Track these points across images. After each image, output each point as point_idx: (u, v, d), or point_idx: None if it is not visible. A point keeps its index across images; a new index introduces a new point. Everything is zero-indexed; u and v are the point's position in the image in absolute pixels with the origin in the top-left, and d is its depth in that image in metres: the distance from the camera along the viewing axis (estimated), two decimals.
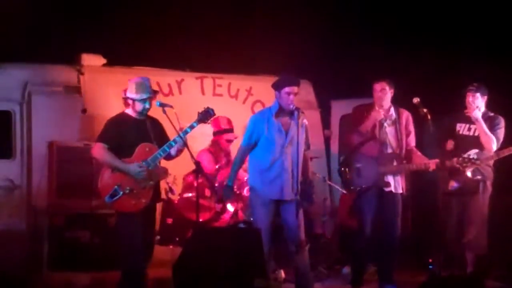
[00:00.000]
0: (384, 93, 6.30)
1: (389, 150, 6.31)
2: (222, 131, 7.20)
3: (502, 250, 7.03)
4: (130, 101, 5.72)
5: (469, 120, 6.61)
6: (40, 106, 7.61)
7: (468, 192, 6.52)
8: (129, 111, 5.77)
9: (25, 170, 7.54)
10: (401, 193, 6.32)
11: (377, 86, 6.33)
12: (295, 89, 5.81)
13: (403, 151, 6.32)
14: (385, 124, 6.33)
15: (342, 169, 6.38)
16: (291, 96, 5.80)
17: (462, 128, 6.64)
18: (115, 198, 5.54)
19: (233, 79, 8.37)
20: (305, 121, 5.87)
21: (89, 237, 6.93)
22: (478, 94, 6.56)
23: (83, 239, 6.90)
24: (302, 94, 8.72)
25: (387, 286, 6.30)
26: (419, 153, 6.39)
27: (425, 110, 6.32)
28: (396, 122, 6.35)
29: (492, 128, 6.53)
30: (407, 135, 6.39)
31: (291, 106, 5.81)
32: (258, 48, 8.64)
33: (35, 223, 7.27)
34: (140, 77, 5.84)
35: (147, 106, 5.73)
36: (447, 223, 6.54)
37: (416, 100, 6.33)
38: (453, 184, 6.56)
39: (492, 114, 6.62)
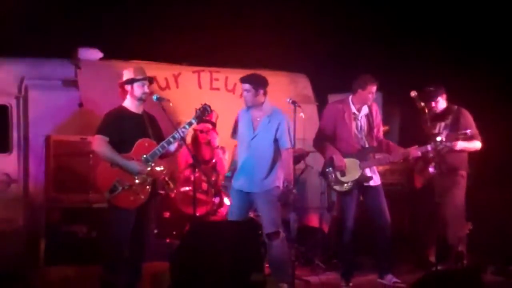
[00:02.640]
0: (373, 95, 6.37)
1: (366, 145, 6.37)
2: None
3: (499, 244, 7.05)
4: (128, 87, 5.70)
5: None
6: (37, 100, 7.59)
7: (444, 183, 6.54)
8: (127, 104, 5.74)
9: (22, 164, 7.53)
10: (379, 184, 6.39)
11: (374, 88, 6.32)
12: (244, 86, 6.06)
13: (376, 143, 6.40)
14: (360, 120, 6.37)
15: (327, 170, 6.40)
16: (244, 93, 6.06)
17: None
18: (114, 193, 5.54)
19: (230, 73, 8.35)
20: (288, 121, 6.08)
21: (86, 232, 6.92)
22: (439, 98, 6.62)
23: (80, 233, 6.90)
24: (299, 88, 8.78)
25: (386, 276, 6.35)
26: (391, 143, 6.47)
27: (422, 103, 6.33)
28: (369, 116, 6.41)
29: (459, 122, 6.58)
30: (378, 127, 6.46)
31: (247, 103, 6.07)
32: (255, 42, 8.63)
33: (32, 217, 7.27)
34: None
35: (146, 89, 5.71)
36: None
37: (413, 93, 6.34)
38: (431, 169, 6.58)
39: (456, 107, 6.67)
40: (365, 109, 6.42)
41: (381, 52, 8.44)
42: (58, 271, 6.58)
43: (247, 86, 6.05)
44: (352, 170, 6.30)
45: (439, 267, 6.09)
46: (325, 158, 6.44)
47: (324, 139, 6.42)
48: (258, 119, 6.08)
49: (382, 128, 6.57)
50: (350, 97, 6.44)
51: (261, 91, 6.08)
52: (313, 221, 8.09)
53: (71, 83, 7.81)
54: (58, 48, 7.98)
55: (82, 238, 6.88)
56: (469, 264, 6.58)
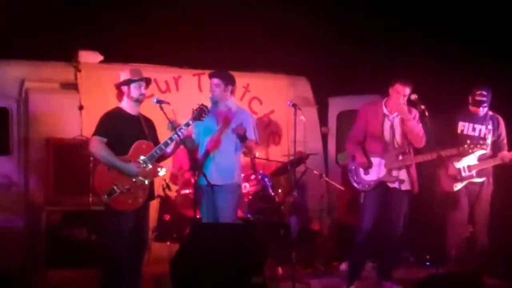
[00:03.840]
0: (405, 97, 6.20)
1: (395, 145, 6.28)
2: None
3: (501, 247, 7.04)
4: (125, 88, 5.70)
5: (474, 119, 6.60)
6: (37, 103, 7.59)
7: (474, 191, 6.55)
8: (124, 105, 5.75)
9: (22, 167, 7.53)
10: (409, 190, 6.25)
11: (405, 89, 6.15)
12: (215, 81, 6.17)
13: (409, 148, 6.27)
14: (393, 121, 6.28)
15: (350, 167, 6.34)
16: (214, 88, 6.17)
17: (466, 128, 6.63)
18: (112, 196, 5.53)
19: None
20: (254, 119, 6.25)
21: (86, 234, 6.92)
22: (486, 93, 6.55)
23: (80, 236, 6.90)
24: (300, 90, 8.78)
25: (385, 282, 6.32)
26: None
27: (423, 106, 6.31)
28: (403, 120, 6.32)
29: (497, 129, 6.57)
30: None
31: (215, 98, 6.19)
32: (255, 45, 8.63)
33: (32, 220, 7.26)
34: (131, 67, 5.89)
35: (143, 90, 5.74)
36: (453, 222, 6.56)
37: (414, 96, 6.32)
38: (456, 185, 6.57)
39: (491, 113, 6.65)
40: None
41: (382, 54, 8.43)
42: (58, 274, 6.58)
43: (216, 80, 6.19)
44: (376, 169, 6.22)
45: (439, 270, 6.09)
46: (351, 156, 6.36)
47: (354, 140, 6.33)
48: (225, 113, 6.17)
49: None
50: (383, 100, 6.33)
51: (230, 88, 6.25)
52: (314, 224, 8.08)
53: (71, 86, 7.82)
54: (58, 50, 7.98)
55: (82, 240, 6.88)
56: (470, 267, 6.57)
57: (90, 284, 6.22)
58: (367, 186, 6.25)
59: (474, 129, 6.63)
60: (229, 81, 6.23)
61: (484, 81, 6.66)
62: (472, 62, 7.66)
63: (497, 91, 6.66)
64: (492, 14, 7.94)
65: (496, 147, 6.64)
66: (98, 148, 5.60)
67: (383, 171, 6.22)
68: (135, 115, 5.75)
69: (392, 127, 6.28)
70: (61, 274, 6.58)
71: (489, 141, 6.55)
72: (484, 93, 6.56)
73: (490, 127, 6.60)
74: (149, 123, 5.85)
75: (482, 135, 6.59)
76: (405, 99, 6.21)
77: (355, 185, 6.33)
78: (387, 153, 6.25)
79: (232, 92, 6.31)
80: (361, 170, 6.27)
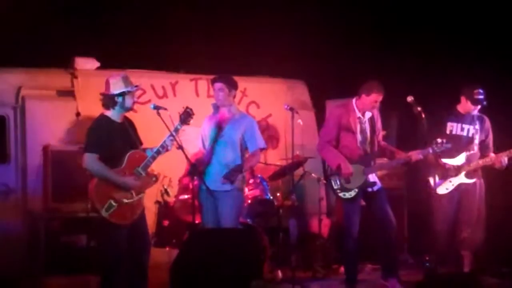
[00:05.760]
0: (377, 105, 6.31)
1: (368, 150, 6.32)
2: None
3: (499, 247, 7.05)
4: (119, 99, 5.61)
5: (462, 119, 6.61)
6: (34, 110, 7.57)
7: (463, 193, 6.55)
8: (111, 114, 5.65)
9: (20, 174, 7.51)
10: (381, 186, 6.36)
11: (379, 97, 6.25)
12: (220, 85, 6.19)
13: (376, 149, 6.36)
14: (365, 125, 6.33)
15: (332, 177, 6.33)
16: (218, 93, 6.19)
17: (454, 128, 6.64)
18: (110, 211, 5.50)
19: None
20: (256, 123, 6.26)
21: (85, 241, 6.91)
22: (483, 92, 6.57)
23: (79, 243, 6.89)
24: (297, 94, 8.79)
25: (392, 280, 6.27)
26: (392, 147, 6.47)
27: (419, 108, 6.34)
28: (372, 120, 6.37)
29: (484, 128, 6.57)
30: (379, 132, 6.44)
31: (219, 102, 6.20)
32: (252, 49, 8.63)
33: (31, 227, 7.25)
34: (117, 74, 5.78)
35: (135, 98, 5.74)
36: (442, 223, 6.56)
37: (410, 98, 6.34)
38: (444, 186, 6.56)
39: (478, 114, 6.66)
40: (368, 114, 6.37)
41: (379, 57, 8.44)
42: (57, 281, 6.58)
43: (220, 85, 6.19)
44: (356, 176, 6.21)
45: (438, 271, 6.09)
46: (330, 164, 6.31)
47: (329, 144, 6.32)
48: (227, 119, 6.18)
49: (382, 133, 6.55)
50: (354, 101, 6.36)
51: (233, 92, 6.26)
52: (313, 226, 8.08)
53: (68, 93, 7.81)
54: (55, 57, 7.97)
55: (81, 247, 6.87)
56: (469, 267, 6.57)
57: None
58: (351, 193, 6.23)
59: (462, 129, 6.65)
60: (233, 86, 6.24)
61: (473, 81, 6.69)
62: (462, 64, 7.69)
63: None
64: (474, 13, 7.97)
65: (483, 147, 6.64)
66: (92, 165, 5.54)
67: (362, 178, 6.22)
68: (121, 122, 5.69)
69: (364, 130, 6.31)
70: (60, 281, 6.58)
71: (476, 141, 6.56)
72: (481, 91, 6.60)
73: (477, 127, 6.61)
74: (131, 124, 5.79)
75: (470, 135, 6.60)
76: (376, 106, 6.31)
77: (339, 194, 6.30)
78: (363, 159, 6.27)
79: (234, 97, 6.31)
80: (342, 179, 6.24)
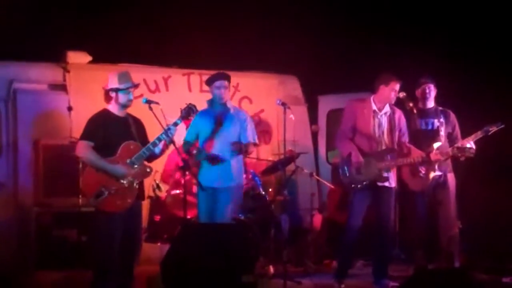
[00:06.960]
0: (396, 93, 6.26)
1: (384, 145, 6.30)
2: None
3: (490, 243, 7.08)
4: (113, 94, 5.68)
5: (425, 114, 6.60)
6: (26, 104, 7.55)
7: (438, 185, 6.53)
8: (111, 107, 5.73)
9: (11, 168, 7.49)
10: (394, 187, 6.34)
11: (397, 85, 6.22)
12: (223, 83, 6.26)
13: (395, 145, 6.31)
14: (381, 119, 6.30)
15: (343, 165, 6.32)
16: (221, 90, 6.25)
17: (419, 123, 6.61)
18: (100, 198, 5.51)
19: None
20: (251, 118, 6.36)
21: (76, 236, 6.90)
22: (433, 86, 6.58)
23: (70, 237, 6.88)
24: (289, 89, 8.79)
25: (382, 280, 6.28)
26: (413, 147, 6.38)
27: (411, 104, 6.35)
28: (391, 116, 6.34)
29: (450, 121, 6.58)
30: (400, 131, 6.38)
31: (222, 100, 6.27)
32: (244, 44, 8.61)
33: (22, 221, 7.23)
34: (118, 70, 5.86)
35: (130, 97, 5.72)
36: (418, 219, 6.58)
37: (402, 94, 6.35)
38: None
39: (441, 108, 6.66)
40: (386, 108, 6.32)
41: (371, 53, 8.44)
42: (49, 275, 6.56)
43: (226, 83, 6.28)
44: (368, 169, 6.20)
45: (429, 267, 6.10)
46: (342, 152, 6.34)
47: (344, 135, 6.33)
48: (224, 114, 6.24)
49: (406, 133, 6.44)
50: (372, 96, 6.35)
51: (229, 87, 6.44)
52: (305, 222, 8.09)
53: (60, 87, 7.80)
54: (47, 51, 7.94)
55: (72, 242, 6.86)
56: (460, 263, 6.59)
57: (80, 285, 6.20)
58: (359, 186, 6.24)
59: (427, 124, 6.64)
60: (229, 81, 6.38)
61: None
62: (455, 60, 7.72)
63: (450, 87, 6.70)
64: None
65: (452, 139, 6.62)
66: (84, 152, 5.59)
67: (374, 171, 6.22)
68: (122, 117, 5.74)
69: (380, 125, 6.30)
70: (51, 276, 6.56)
71: (442, 133, 6.54)
72: (431, 85, 6.61)
73: (442, 120, 6.59)
74: (138, 123, 5.83)
75: (435, 128, 6.58)
76: (396, 95, 6.26)
77: (346, 183, 6.32)
78: (378, 153, 6.26)
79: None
80: (353, 169, 6.26)
